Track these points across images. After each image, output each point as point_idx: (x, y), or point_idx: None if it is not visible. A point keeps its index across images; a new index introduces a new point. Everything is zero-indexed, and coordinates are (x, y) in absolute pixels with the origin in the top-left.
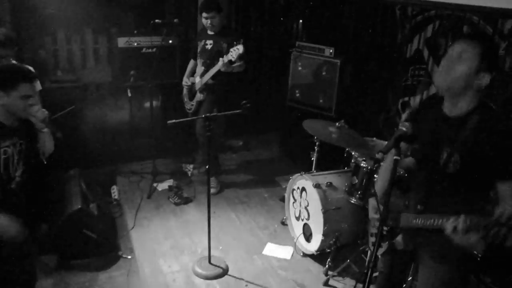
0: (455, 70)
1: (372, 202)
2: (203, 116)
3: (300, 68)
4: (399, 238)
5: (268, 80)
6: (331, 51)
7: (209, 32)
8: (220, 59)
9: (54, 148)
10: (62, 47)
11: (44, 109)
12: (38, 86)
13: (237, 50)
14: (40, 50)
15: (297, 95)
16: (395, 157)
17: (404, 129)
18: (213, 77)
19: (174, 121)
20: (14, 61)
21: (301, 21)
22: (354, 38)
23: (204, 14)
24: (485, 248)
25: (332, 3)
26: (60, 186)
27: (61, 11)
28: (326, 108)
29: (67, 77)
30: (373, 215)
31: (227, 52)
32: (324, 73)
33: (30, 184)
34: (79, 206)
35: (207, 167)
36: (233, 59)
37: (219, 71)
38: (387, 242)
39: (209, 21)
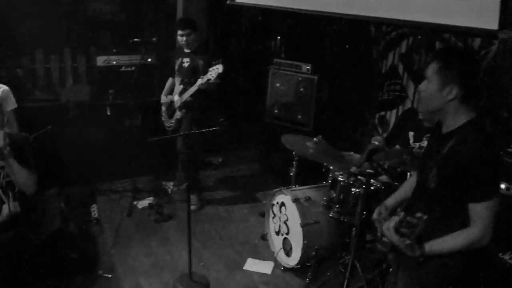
0: (426, 92)
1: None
2: (183, 133)
3: (278, 85)
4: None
5: (246, 96)
6: (308, 67)
7: (186, 50)
8: (199, 79)
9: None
10: (41, 66)
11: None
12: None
13: (217, 69)
14: (17, 69)
15: (276, 111)
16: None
17: (376, 143)
18: (191, 95)
19: (155, 138)
20: None
21: (279, 37)
22: (331, 54)
23: (179, 32)
24: (418, 254)
25: (309, 20)
26: (39, 205)
27: (39, 30)
28: (304, 123)
29: (46, 96)
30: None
31: (205, 71)
32: (301, 89)
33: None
34: (58, 226)
35: (186, 184)
36: (212, 79)
37: (198, 89)
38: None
39: (184, 38)
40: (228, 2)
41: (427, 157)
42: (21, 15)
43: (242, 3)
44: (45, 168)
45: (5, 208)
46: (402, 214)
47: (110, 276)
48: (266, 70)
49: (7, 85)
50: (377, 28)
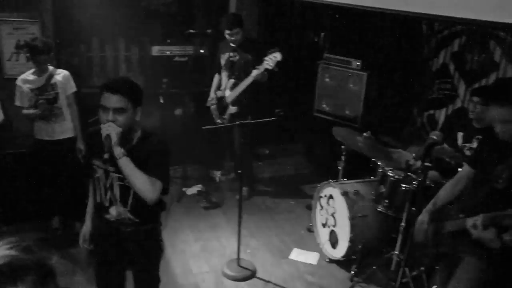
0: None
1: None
2: (238, 123)
3: (327, 80)
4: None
5: (294, 90)
6: (358, 63)
7: (232, 45)
8: (255, 69)
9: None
10: (96, 55)
11: None
12: None
13: (274, 58)
14: (75, 57)
15: (324, 105)
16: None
17: (434, 137)
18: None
19: (209, 127)
20: (51, 66)
21: (328, 32)
22: (381, 51)
23: (227, 31)
24: (501, 244)
25: (358, 16)
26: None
27: (95, 20)
28: (352, 119)
29: (101, 83)
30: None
31: (255, 62)
32: (351, 85)
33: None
34: None
35: (239, 172)
36: (270, 67)
37: (252, 81)
38: (435, 251)
39: (233, 38)
40: None
41: (489, 160)
42: (79, 5)
43: None
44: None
45: (114, 210)
46: (482, 215)
47: None
48: (315, 65)
49: (68, 71)
50: (429, 26)
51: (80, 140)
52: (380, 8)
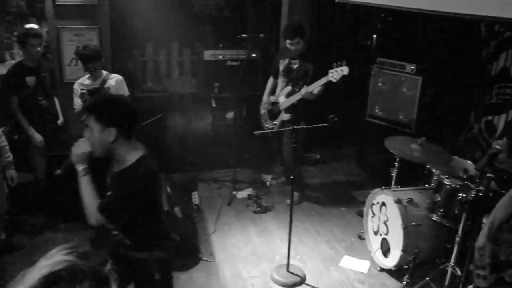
0: None
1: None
2: (291, 128)
3: (380, 84)
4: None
5: (346, 95)
6: (412, 67)
7: (294, 53)
8: (316, 82)
9: None
10: (150, 59)
11: None
12: None
13: (341, 71)
14: (130, 61)
15: (376, 110)
16: None
17: (498, 147)
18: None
19: (260, 131)
20: (105, 71)
21: (376, 37)
22: (437, 54)
23: (288, 41)
24: None
25: (412, 18)
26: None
27: (149, 25)
28: (406, 124)
29: (155, 87)
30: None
31: (313, 74)
32: (405, 90)
33: None
34: (166, 208)
35: (290, 177)
36: (334, 80)
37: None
38: (494, 274)
39: (294, 47)
40: (337, 0)
41: None
42: (134, 12)
43: (351, 1)
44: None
45: None
46: None
47: (210, 261)
48: (368, 69)
49: (122, 76)
50: (488, 28)
51: None
52: (437, 11)
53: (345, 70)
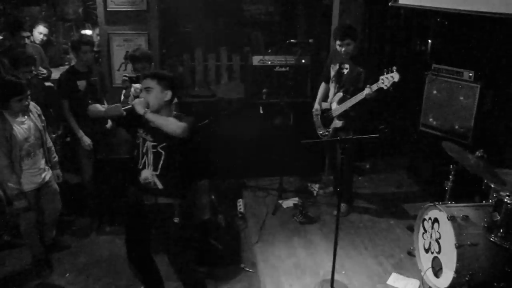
0: None
1: None
2: (339, 138)
3: (435, 92)
4: None
5: (399, 103)
6: (470, 74)
7: (344, 56)
8: (367, 88)
9: None
10: (199, 64)
11: None
12: None
13: (391, 78)
14: (179, 66)
15: (431, 119)
16: None
17: None
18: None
19: (307, 141)
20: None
21: (436, 41)
22: (496, 60)
23: (338, 42)
24: None
25: (470, 22)
26: (191, 194)
27: (199, 30)
28: (462, 135)
29: (203, 92)
30: None
31: (366, 77)
32: (461, 98)
33: None
34: (208, 217)
35: (338, 190)
36: (385, 87)
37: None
38: None
39: (343, 49)
40: (390, 4)
41: None
42: (183, 17)
43: (405, 4)
44: (199, 160)
45: (145, 173)
46: None
47: (252, 271)
48: (422, 76)
49: None
50: None
51: None
52: (498, 13)
53: (395, 76)
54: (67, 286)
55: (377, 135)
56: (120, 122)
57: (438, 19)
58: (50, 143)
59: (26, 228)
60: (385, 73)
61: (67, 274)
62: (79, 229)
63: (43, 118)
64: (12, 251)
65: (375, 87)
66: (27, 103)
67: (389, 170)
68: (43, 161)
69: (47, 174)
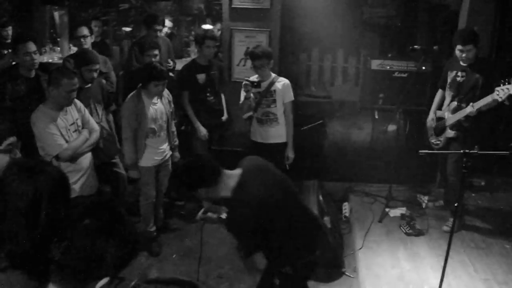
0: None
1: None
2: (462, 151)
3: None
4: None
5: None
6: None
7: (462, 64)
8: (481, 100)
9: None
10: (315, 64)
11: None
12: None
13: (507, 90)
14: (295, 65)
15: None
16: None
17: None
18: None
19: (426, 151)
20: (272, 73)
21: None
22: None
23: (459, 47)
24: None
25: None
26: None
27: (317, 31)
28: None
29: (318, 92)
30: None
31: (485, 86)
32: None
33: None
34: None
35: (451, 201)
36: (499, 99)
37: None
38: None
39: (464, 55)
40: None
41: None
42: (303, 17)
43: None
44: (308, 159)
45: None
46: None
47: (353, 277)
48: None
49: (287, 79)
50: None
51: (291, 147)
52: None
53: (511, 89)
54: (173, 268)
55: (508, 152)
56: None
57: None
58: (173, 128)
59: (144, 204)
60: (501, 84)
61: (174, 255)
62: (188, 214)
63: (172, 105)
64: None
65: (489, 99)
66: (162, 88)
67: (507, 190)
68: (166, 144)
69: (167, 155)
